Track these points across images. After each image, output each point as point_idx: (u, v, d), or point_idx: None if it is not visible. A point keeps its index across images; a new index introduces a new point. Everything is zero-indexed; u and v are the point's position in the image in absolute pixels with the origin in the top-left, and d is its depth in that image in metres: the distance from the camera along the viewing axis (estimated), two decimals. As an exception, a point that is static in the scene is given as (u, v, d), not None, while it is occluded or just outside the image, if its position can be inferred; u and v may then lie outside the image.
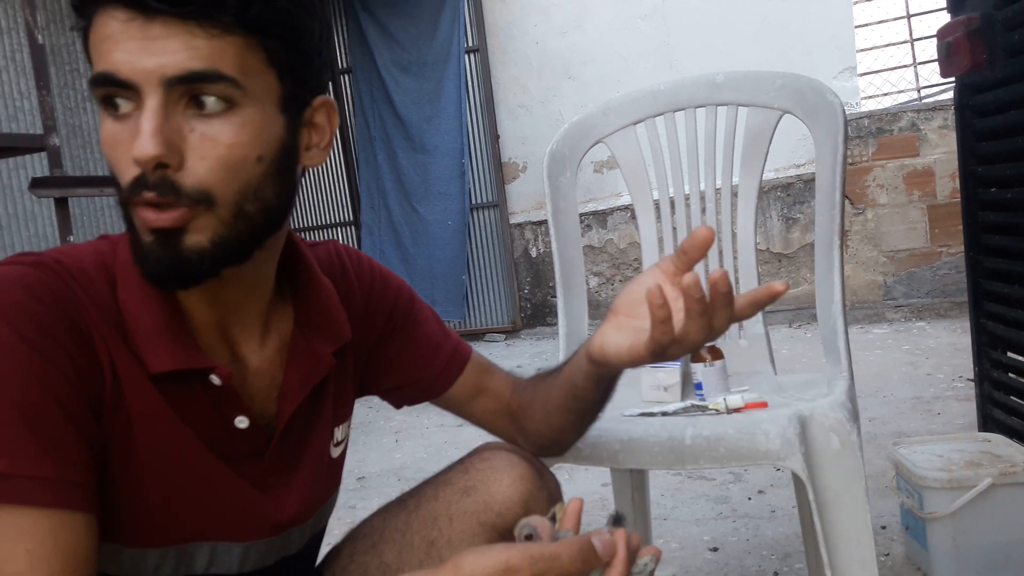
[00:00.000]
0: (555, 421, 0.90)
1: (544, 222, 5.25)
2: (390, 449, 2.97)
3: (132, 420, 0.65)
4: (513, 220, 5.33)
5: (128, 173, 0.61)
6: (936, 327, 4.07)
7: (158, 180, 0.60)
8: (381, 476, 2.65)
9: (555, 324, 5.33)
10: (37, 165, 3.13)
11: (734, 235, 1.46)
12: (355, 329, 0.82)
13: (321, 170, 5.81)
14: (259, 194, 0.64)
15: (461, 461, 0.87)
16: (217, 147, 0.61)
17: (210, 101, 0.60)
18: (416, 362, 0.89)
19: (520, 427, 0.94)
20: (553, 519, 0.64)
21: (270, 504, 0.74)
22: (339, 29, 5.56)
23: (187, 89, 0.59)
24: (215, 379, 0.68)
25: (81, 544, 0.58)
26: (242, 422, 0.70)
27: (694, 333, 0.69)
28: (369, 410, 3.54)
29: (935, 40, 1.73)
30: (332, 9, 5.42)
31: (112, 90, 0.60)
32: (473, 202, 5.32)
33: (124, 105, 0.61)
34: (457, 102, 5.09)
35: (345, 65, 5.59)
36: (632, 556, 0.58)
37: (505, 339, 5.35)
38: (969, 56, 1.59)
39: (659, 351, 0.71)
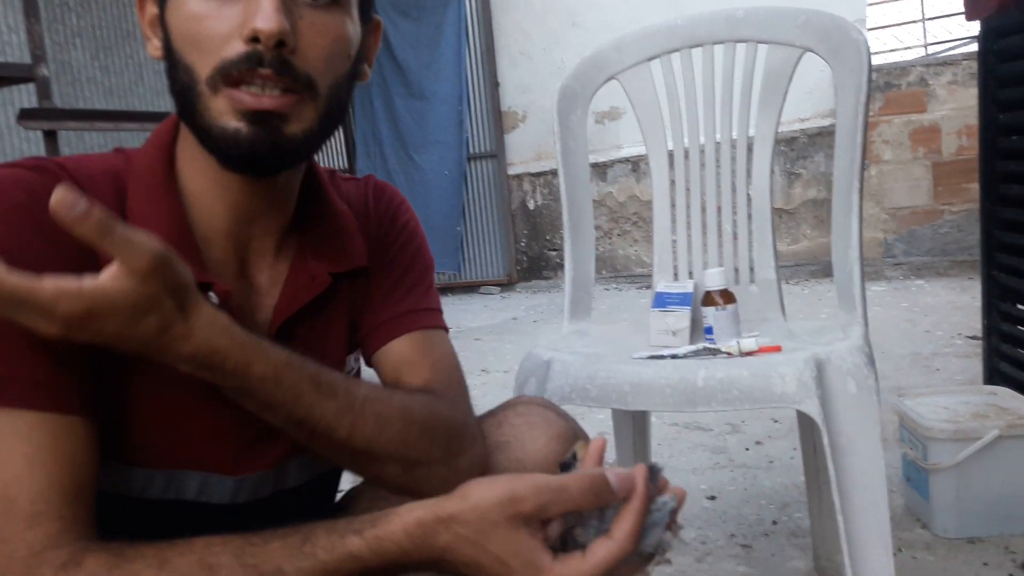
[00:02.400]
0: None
1: (543, 174, 5.19)
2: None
3: None
4: (511, 171, 5.26)
5: (230, 49, 0.59)
6: (935, 285, 4.05)
7: (275, 59, 0.58)
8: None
9: (551, 278, 5.30)
10: (25, 100, 3.04)
11: (749, 185, 1.41)
12: (370, 257, 0.79)
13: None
14: (341, 93, 0.65)
15: (493, 413, 0.82)
16: (325, 37, 0.61)
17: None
18: (381, 301, 0.79)
19: None
20: (574, 458, 0.62)
21: (264, 433, 0.69)
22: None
23: None
24: (213, 296, 0.65)
25: (80, 448, 0.57)
26: None
27: None
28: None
29: (959, -18, 1.67)
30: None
31: None
32: (471, 152, 5.24)
33: None
34: (456, 47, 4.97)
35: (342, 7, 5.44)
36: (655, 497, 0.55)
37: (500, 292, 5.32)
38: (996, -2, 1.53)
39: None
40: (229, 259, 0.69)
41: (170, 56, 0.63)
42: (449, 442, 0.71)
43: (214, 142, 0.61)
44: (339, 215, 0.76)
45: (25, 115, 1.96)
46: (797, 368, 0.98)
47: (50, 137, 2.00)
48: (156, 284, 0.51)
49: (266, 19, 0.57)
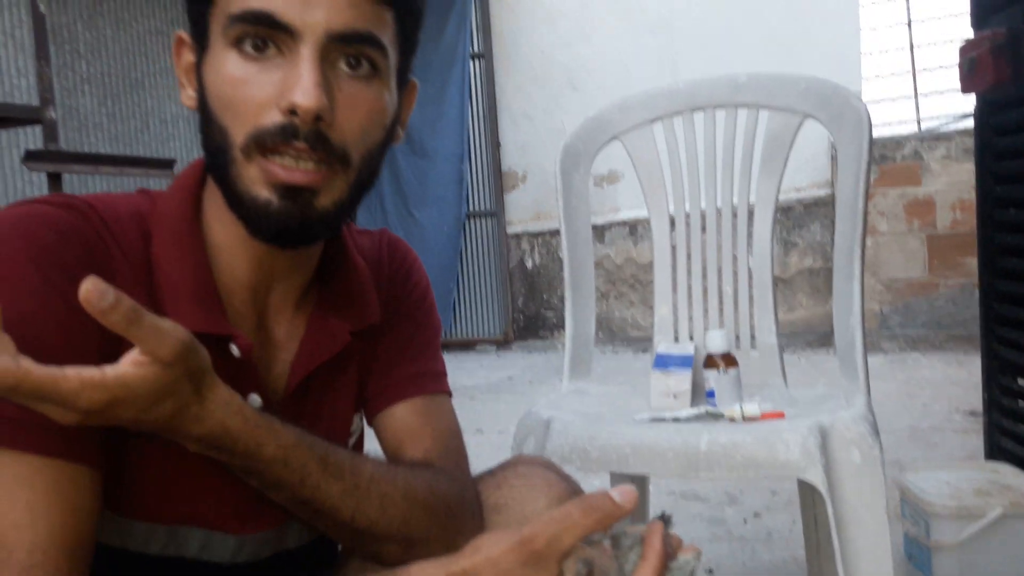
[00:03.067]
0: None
1: (541, 234, 5.21)
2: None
3: None
4: (510, 230, 5.29)
5: (266, 118, 0.58)
6: (932, 359, 4.04)
7: (312, 133, 0.58)
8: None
9: (547, 338, 5.27)
10: (31, 142, 3.07)
11: (750, 249, 1.41)
12: (382, 314, 0.77)
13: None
14: (373, 163, 0.65)
15: (493, 473, 0.79)
16: (362, 110, 0.61)
17: (364, 63, 0.60)
18: (387, 363, 0.78)
19: None
20: (616, 544, 0.55)
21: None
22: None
23: (344, 47, 0.59)
24: (235, 349, 0.64)
25: (84, 498, 0.55)
26: (255, 401, 0.66)
27: None
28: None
29: (957, 57, 1.70)
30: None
31: (262, 30, 0.57)
32: (470, 209, 5.28)
33: (270, 49, 0.58)
34: (460, 106, 5.06)
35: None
36: (672, 554, 0.53)
37: (496, 350, 5.29)
38: (993, 72, 1.56)
39: None
40: (249, 311, 0.68)
41: (204, 111, 0.62)
42: (448, 520, 0.69)
43: (244, 210, 0.61)
44: (358, 271, 0.75)
45: (31, 156, 1.97)
46: (801, 435, 0.96)
47: (54, 180, 2.00)
48: (178, 370, 0.51)
49: (306, 95, 0.56)
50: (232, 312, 0.67)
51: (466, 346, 5.33)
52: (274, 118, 0.58)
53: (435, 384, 0.79)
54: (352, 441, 0.78)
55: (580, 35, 5.06)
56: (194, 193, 0.67)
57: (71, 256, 0.57)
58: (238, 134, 0.59)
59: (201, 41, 0.62)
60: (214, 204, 0.66)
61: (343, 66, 0.60)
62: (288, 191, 0.59)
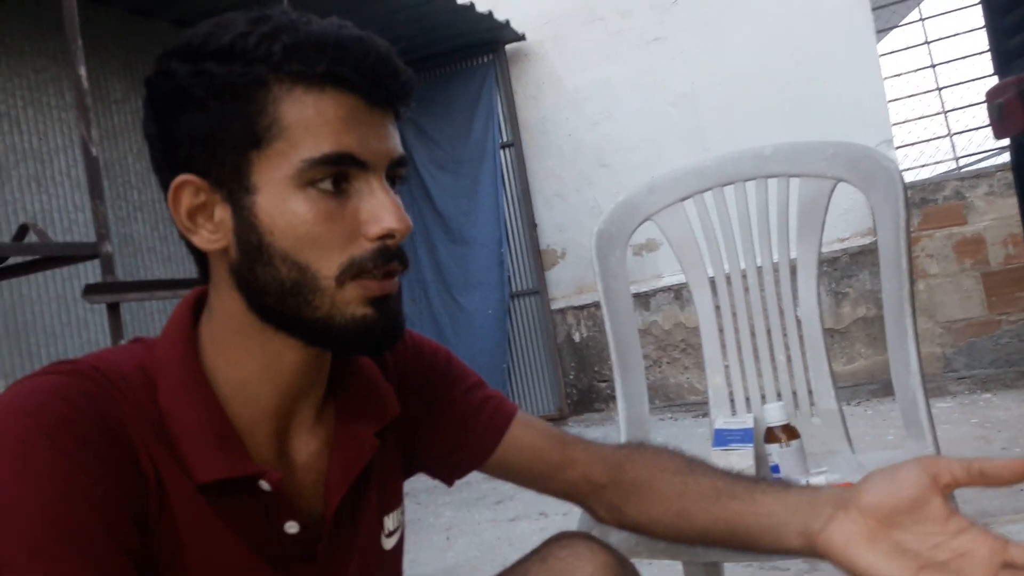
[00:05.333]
0: (687, 536, 0.80)
1: (586, 307, 5.22)
2: (441, 548, 2.86)
3: (179, 532, 0.61)
4: (554, 306, 5.31)
5: (357, 247, 0.62)
6: (1004, 398, 3.88)
7: (399, 250, 0.64)
8: (434, 577, 2.54)
9: (603, 410, 5.21)
10: (90, 274, 3.21)
11: (796, 311, 1.40)
12: (415, 392, 0.80)
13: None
14: None
15: (538, 551, 0.81)
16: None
17: (398, 180, 0.67)
18: (459, 425, 0.83)
19: (606, 502, 0.85)
20: None
21: None
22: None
23: (394, 170, 0.65)
24: (265, 485, 0.64)
25: None
26: (292, 527, 0.67)
27: None
28: (417, 507, 3.45)
29: (984, 103, 1.70)
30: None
31: (343, 169, 0.62)
32: (513, 290, 5.33)
33: (351, 184, 0.63)
34: (494, 195, 5.18)
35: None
36: None
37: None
38: (1022, 116, 1.55)
39: None
40: (270, 441, 0.68)
41: (261, 251, 0.62)
42: None
43: (338, 331, 0.63)
44: (365, 369, 0.76)
45: (90, 290, 2.06)
46: (873, 508, 0.93)
47: (113, 309, 2.09)
48: None
49: (400, 220, 0.62)
50: (253, 446, 0.66)
51: (522, 428, 5.29)
52: (366, 245, 0.62)
53: (507, 406, 0.85)
54: (392, 543, 0.78)
55: (605, 115, 5.17)
56: (189, 336, 0.67)
57: (88, 426, 0.58)
58: (328, 266, 0.62)
59: (234, 184, 0.62)
60: (227, 344, 0.66)
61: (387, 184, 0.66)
62: (380, 303, 0.64)
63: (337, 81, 0.61)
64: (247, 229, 0.62)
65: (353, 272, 0.62)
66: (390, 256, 0.63)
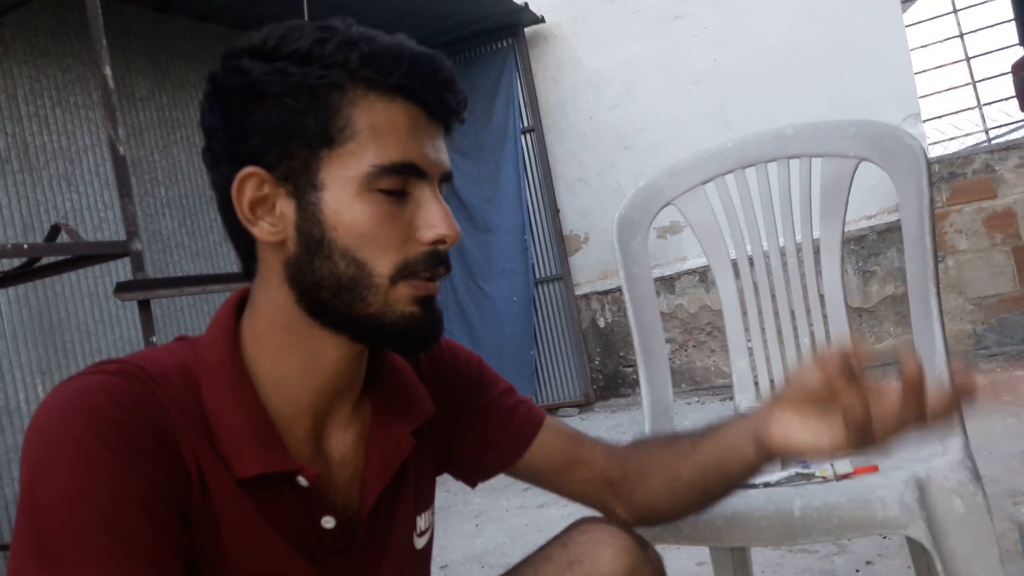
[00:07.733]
0: (681, 497, 0.86)
1: (610, 291, 5.21)
2: (471, 535, 2.90)
3: (220, 525, 0.64)
4: (578, 291, 5.30)
5: (410, 249, 0.67)
6: (1038, 374, 3.82)
7: (446, 256, 0.69)
8: (464, 563, 2.57)
9: (629, 395, 5.21)
10: (120, 271, 3.27)
11: (820, 286, 1.39)
12: (448, 398, 0.82)
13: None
14: None
15: (559, 536, 0.83)
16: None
17: (441, 192, 0.71)
18: (489, 429, 0.87)
19: (622, 496, 0.89)
20: None
21: None
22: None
23: (444, 184, 0.70)
24: (302, 480, 0.67)
25: None
26: (328, 522, 0.69)
27: (905, 423, 0.70)
28: (447, 494, 3.48)
29: (1009, 76, 1.67)
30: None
31: (407, 178, 0.66)
32: (537, 276, 5.33)
33: (410, 190, 0.67)
34: (516, 181, 5.16)
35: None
36: None
37: (579, 412, 5.25)
38: (1050, 88, 1.52)
39: (864, 446, 0.71)
40: (308, 437, 0.71)
41: (321, 246, 0.65)
42: None
43: (387, 327, 0.67)
44: (400, 369, 0.78)
45: (121, 288, 2.10)
46: (898, 490, 0.93)
47: (144, 305, 2.13)
48: None
49: (452, 228, 0.67)
50: (292, 442, 0.69)
51: (548, 411, 5.30)
52: (418, 248, 0.67)
53: (535, 412, 0.89)
54: (423, 542, 0.80)
55: (626, 95, 5.13)
56: (232, 334, 0.69)
57: (138, 426, 0.60)
58: (384, 264, 0.65)
59: (302, 179, 0.65)
60: (270, 341, 0.68)
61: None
62: (425, 302, 0.68)
63: (407, 92, 0.65)
64: (310, 223, 0.65)
65: (405, 272, 0.66)
66: (439, 260, 0.68)
